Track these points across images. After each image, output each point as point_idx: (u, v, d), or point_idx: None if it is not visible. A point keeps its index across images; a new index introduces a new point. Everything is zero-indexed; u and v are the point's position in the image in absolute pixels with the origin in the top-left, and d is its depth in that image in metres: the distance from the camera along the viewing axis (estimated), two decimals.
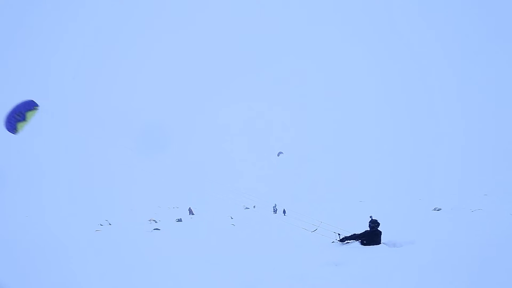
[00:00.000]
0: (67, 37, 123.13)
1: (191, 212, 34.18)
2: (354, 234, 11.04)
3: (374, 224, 10.67)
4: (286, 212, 32.66)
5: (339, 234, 11.56)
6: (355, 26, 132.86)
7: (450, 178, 55.20)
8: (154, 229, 19.27)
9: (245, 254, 10.16)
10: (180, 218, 26.70)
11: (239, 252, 10.61)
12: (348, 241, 11.07)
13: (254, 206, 43.15)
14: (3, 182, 60.72)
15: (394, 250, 9.37)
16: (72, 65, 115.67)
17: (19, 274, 8.34)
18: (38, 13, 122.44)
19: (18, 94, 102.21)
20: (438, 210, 24.57)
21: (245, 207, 42.27)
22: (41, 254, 11.26)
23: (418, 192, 46.21)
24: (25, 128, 8.85)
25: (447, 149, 72.22)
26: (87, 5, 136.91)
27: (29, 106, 8.93)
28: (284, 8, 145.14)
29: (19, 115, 8.89)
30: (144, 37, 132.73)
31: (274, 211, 33.68)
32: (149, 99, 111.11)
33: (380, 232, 10.65)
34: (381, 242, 10.59)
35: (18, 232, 18.51)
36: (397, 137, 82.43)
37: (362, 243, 10.63)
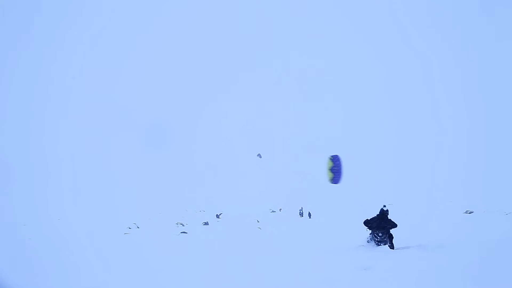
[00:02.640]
0: (68, 36, 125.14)
1: (218, 216, 34.40)
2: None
3: (381, 213, 11.14)
4: (311, 215, 32.40)
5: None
6: (358, 25, 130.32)
7: (483, 178, 53.51)
8: (181, 232, 19.52)
9: (273, 257, 10.16)
10: (207, 222, 26.91)
11: (266, 255, 10.62)
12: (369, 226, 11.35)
13: (280, 209, 43.03)
14: (30, 183, 62.67)
15: (423, 254, 9.20)
16: (73, 65, 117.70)
17: (45, 274, 8.62)
18: (38, 13, 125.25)
19: (19, 94, 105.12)
20: (470, 213, 23.86)
21: (271, 210, 42.19)
22: (71, 256, 11.61)
23: (449, 194, 44.93)
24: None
25: (478, 148, 70.03)
26: (88, 3, 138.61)
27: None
28: (287, 7, 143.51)
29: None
30: (146, 35, 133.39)
31: (300, 214, 33.47)
32: (150, 98, 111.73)
33: (389, 219, 11.01)
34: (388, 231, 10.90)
35: (49, 234, 19.14)
36: (420, 135, 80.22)
37: (371, 230, 11.09)
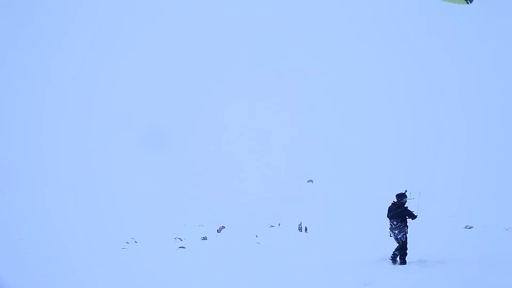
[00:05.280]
0: (67, 36, 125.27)
1: (218, 231, 34.16)
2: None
3: (397, 199, 10.71)
4: (307, 229, 32.21)
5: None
6: (358, 25, 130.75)
7: (482, 193, 53.30)
8: (180, 247, 19.39)
9: (271, 273, 10.08)
10: (205, 236, 26.72)
11: (265, 271, 10.54)
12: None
13: (279, 224, 42.79)
14: (27, 193, 62.09)
15: (424, 270, 9.15)
16: (73, 65, 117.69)
17: None
18: (38, 13, 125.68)
19: (18, 94, 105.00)
20: (469, 228, 23.75)
21: (270, 225, 41.96)
22: (67, 271, 11.50)
23: (448, 208, 44.73)
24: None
25: (478, 163, 69.83)
26: (87, 4, 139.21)
27: None
28: (287, 6, 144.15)
29: None
30: (145, 36, 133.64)
31: (299, 229, 33.24)
32: (150, 98, 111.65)
33: (400, 206, 10.59)
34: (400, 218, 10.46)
35: (45, 248, 18.98)
36: (418, 147, 79.57)
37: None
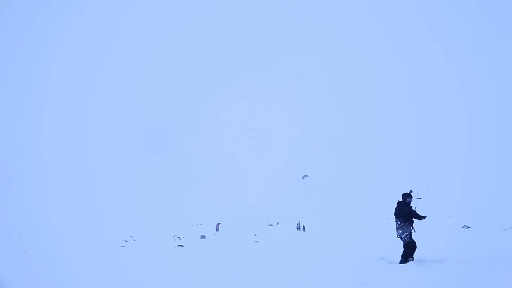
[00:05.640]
0: (67, 36, 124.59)
1: (217, 228, 34.21)
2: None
3: (403, 197, 10.69)
4: (305, 228, 32.26)
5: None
6: (358, 25, 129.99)
7: (481, 193, 53.35)
8: (178, 245, 19.39)
9: (269, 272, 10.08)
10: (204, 235, 26.73)
11: (263, 270, 10.54)
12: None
13: (277, 223, 42.84)
14: (27, 192, 62.08)
15: (422, 269, 9.14)
16: (73, 65, 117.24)
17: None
18: (38, 13, 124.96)
19: (18, 94, 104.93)
20: (467, 227, 23.74)
21: (268, 223, 42.02)
22: (65, 270, 11.50)
23: (447, 208, 44.79)
24: None
25: (477, 164, 69.89)
26: (88, 4, 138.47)
27: None
28: (287, 6, 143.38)
29: None
30: (145, 36, 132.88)
31: (297, 228, 33.26)
32: (150, 99, 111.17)
33: (405, 206, 10.52)
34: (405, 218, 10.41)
35: (44, 247, 18.97)
36: (417, 148, 79.34)
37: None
